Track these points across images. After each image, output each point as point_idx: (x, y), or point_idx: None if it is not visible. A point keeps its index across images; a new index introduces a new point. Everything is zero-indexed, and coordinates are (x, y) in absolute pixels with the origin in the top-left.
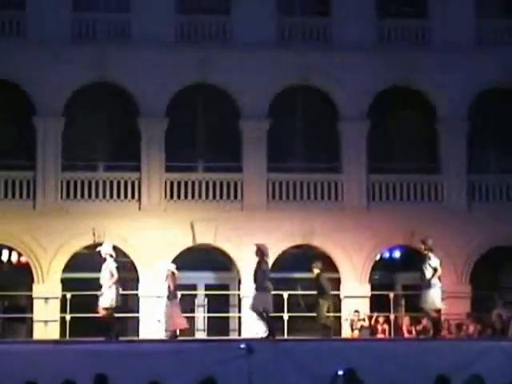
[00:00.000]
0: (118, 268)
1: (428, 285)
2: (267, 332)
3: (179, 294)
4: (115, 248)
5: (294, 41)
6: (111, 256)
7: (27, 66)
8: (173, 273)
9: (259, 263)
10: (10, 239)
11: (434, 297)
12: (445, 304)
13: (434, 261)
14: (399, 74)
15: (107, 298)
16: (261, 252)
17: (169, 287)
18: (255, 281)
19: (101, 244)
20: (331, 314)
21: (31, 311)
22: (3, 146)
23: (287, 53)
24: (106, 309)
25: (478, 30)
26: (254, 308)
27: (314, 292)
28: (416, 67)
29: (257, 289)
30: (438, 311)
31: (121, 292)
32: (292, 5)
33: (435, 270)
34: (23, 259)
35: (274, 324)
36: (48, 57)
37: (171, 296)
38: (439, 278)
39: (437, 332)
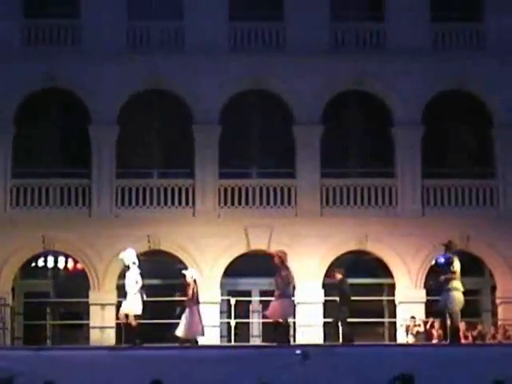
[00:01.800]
0: (141, 275)
1: (451, 289)
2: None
3: (234, 300)
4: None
5: (347, 46)
6: (134, 263)
7: (82, 74)
8: (195, 280)
9: (280, 271)
10: (66, 246)
11: (460, 300)
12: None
13: (456, 264)
14: (453, 78)
15: (130, 304)
16: (280, 259)
17: (188, 294)
18: (277, 288)
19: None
20: (386, 320)
21: (88, 317)
22: (59, 155)
23: (340, 58)
24: (127, 315)
25: None
26: (282, 316)
27: (337, 298)
28: (471, 71)
29: (278, 296)
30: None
31: (144, 298)
32: (345, 10)
33: (454, 273)
34: (79, 266)
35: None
36: (102, 65)
37: (192, 303)
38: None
39: (455, 339)
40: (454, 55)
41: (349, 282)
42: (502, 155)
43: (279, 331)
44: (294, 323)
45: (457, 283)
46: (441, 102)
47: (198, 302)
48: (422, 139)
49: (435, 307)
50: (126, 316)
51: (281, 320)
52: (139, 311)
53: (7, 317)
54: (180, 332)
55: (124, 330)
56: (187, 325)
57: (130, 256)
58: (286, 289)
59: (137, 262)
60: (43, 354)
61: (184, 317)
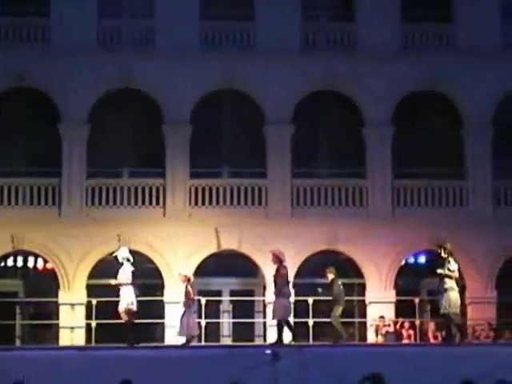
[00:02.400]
0: (133, 272)
1: (448, 289)
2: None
3: (204, 300)
4: (134, 255)
5: (317, 47)
6: (128, 260)
7: (52, 73)
8: (189, 279)
9: (278, 269)
10: (35, 246)
11: (457, 300)
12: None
13: (453, 265)
14: (424, 79)
15: (127, 300)
16: (277, 258)
17: (188, 294)
18: (275, 287)
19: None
20: (357, 320)
21: (57, 317)
22: (29, 153)
23: (311, 59)
24: (125, 311)
25: (503, 34)
26: (276, 316)
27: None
28: (441, 72)
29: (276, 295)
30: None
31: (137, 294)
32: (316, 11)
33: (453, 273)
34: (49, 266)
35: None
36: (73, 64)
37: (190, 303)
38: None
39: (463, 336)
40: (424, 55)
41: (339, 282)
42: (472, 155)
43: (277, 330)
44: (265, 323)
45: (452, 283)
46: (411, 103)
47: (193, 301)
48: (392, 139)
49: (438, 309)
50: (126, 313)
51: (279, 319)
52: (135, 307)
53: None
54: (181, 333)
55: (123, 327)
56: (187, 324)
57: (123, 253)
58: (284, 288)
59: (131, 259)
60: (12, 354)
61: (183, 317)
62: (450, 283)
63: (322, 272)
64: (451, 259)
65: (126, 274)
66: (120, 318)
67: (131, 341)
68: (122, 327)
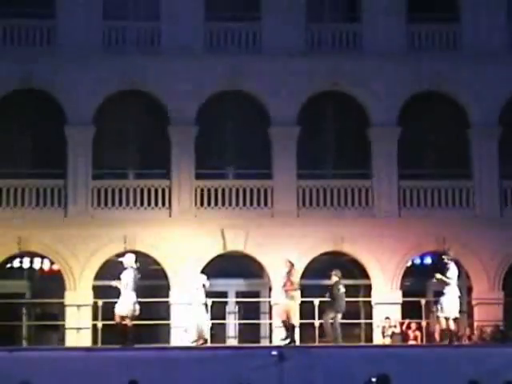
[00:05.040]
0: (138, 279)
1: (445, 293)
2: (288, 340)
3: (210, 301)
4: (138, 257)
5: (323, 47)
6: (132, 267)
7: (57, 74)
8: (204, 285)
9: (289, 273)
10: (41, 247)
11: (451, 306)
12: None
13: (453, 270)
14: (430, 79)
15: (127, 305)
16: (290, 263)
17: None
18: (283, 288)
19: (124, 254)
20: (363, 321)
21: (63, 318)
22: (34, 155)
23: (317, 59)
24: (122, 317)
25: (509, 34)
26: (279, 315)
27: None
28: (447, 72)
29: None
30: (455, 320)
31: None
32: (321, 11)
33: (451, 279)
34: (55, 267)
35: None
36: (78, 66)
37: (199, 306)
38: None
39: (452, 340)
40: (430, 56)
41: (342, 284)
42: (477, 156)
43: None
44: (271, 324)
45: (453, 288)
46: (417, 103)
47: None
48: (398, 140)
49: (436, 312)
50: (121, 317)
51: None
52: (137, 312)
53: None
54: (194, 335)
55: (119, 330)
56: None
57: (129, 260)
58: (293, 290)
59: (135, 266)
60: (19, 354)
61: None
62: (449, 288)
63: (329, 273)
64: (452, 265)
65: (127, 279)
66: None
67: (128, 343)
68: (121, 330)
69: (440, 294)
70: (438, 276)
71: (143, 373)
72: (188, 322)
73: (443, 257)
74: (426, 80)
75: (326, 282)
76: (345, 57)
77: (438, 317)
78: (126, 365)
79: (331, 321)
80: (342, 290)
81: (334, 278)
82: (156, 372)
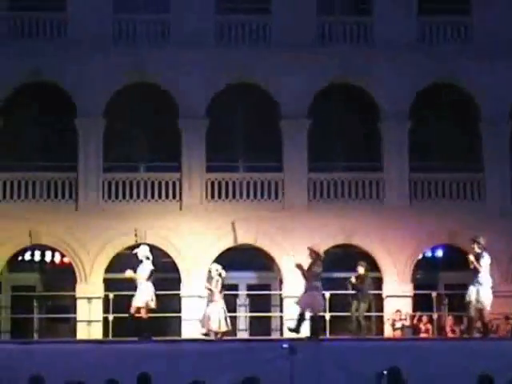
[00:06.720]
0: (154, 271)
1: (477, 283)
2: (311, 332)
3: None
4: (151, 250)
5: (334, 40)
6: (147, 258)
7: (68, 67)
8: (220, 274)
9: (312, 264)
10: (52, 240)
11: (484, 296)
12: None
13: (486, 259)
14: (441, 72)
15: (144, 297)
16: (315, 253)
17: (215, 288)
18: (306, 280)
19: (139, 245)
20: (373, 314)
21: (74, 311)
22: (45, 148)
23: (327, 52)
24: (139, 308)
25: None
26: (301, 306)
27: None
28: (458, 65)
29: (309, 288)
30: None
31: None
32: (332, 4)
33: (481, 267)
34: (66, 260)
35: (319, 325)
36: (88, 58)
37: (218, 297)
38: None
39: (486, 331)
40: (441, 49)
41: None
42: (489, 149)
43: (312, 324)
44: (281, 317)
45: (486, 278)
46: (428, 96)
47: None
48: (409, 133)
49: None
50: (138, 309)
51: (312, 313)
52: (153, 305)
53: None
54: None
55: (134, 323)
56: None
57: (143, 252)
58: (315, 281)
59: (151, 257)
60: (30, 347)
61: (211, 310)
62: (483, 278)
63: (352, 264)
64: (485, 253)
65: (145, 271)
66: (134, 312)
67: (146, 335)
68: (135, 322)
69: (450, 287)
70: (471, 258)
71: (154, 365)
72: (208, 313)
73: (473, 246)
74: (437, 72)
75: (338, 274)
76: (355, 49)
77: (469, 307)
78: (138, 357)
79: (359, 313)
80: (369, 281)
81: (361, 269)
82: (167, 365)
